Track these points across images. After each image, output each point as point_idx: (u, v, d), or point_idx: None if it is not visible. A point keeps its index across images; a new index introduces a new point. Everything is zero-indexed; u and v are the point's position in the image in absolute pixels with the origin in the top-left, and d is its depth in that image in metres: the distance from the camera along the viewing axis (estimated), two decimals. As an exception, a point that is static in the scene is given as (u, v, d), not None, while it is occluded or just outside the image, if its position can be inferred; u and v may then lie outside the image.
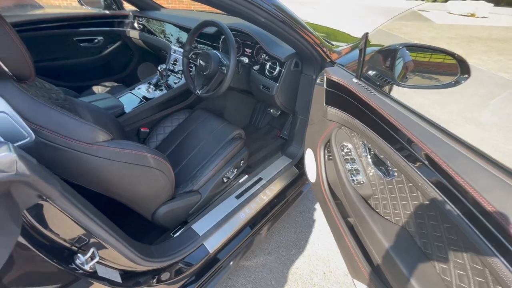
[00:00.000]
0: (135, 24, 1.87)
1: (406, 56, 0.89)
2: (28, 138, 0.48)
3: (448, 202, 0.49)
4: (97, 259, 0.53)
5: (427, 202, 0.56)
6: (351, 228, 0.84)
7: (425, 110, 2.84)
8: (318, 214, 1.56)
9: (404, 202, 0.64)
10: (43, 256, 0.43)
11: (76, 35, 1.75)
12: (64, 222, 0.47)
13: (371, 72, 0.89)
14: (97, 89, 1.54)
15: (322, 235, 1.43)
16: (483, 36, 7.14)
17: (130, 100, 1.37)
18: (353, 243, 0.80)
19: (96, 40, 1.89)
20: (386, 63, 0.85)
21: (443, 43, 5.88)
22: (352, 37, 1.94)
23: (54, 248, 0.48)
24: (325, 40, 1.07)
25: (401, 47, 0.84)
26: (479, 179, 0.46)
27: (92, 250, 0.53)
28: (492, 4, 10.97)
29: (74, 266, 0.50)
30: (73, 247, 0.52)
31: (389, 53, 0.84)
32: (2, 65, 0.45)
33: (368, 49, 0.82)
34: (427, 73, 0.95)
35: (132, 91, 1.43)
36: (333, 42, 1.30)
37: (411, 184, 0.61)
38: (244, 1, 0.68)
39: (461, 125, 2.60)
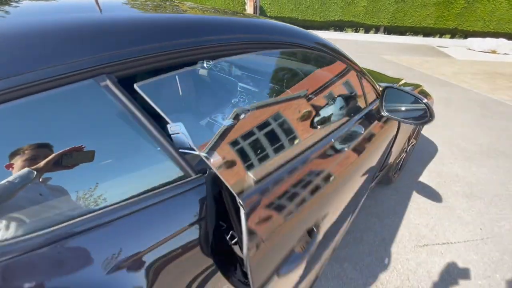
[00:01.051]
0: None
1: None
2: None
3: None
4: None
5: None
6: None
7: (455, 142, 2.96)
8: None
9: None
10: None
11: None
12: None
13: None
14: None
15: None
16: (507, 72, 7.23)
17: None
18: None
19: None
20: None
21: (467, 79, 6.04)
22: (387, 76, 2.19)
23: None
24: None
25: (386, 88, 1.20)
26: None
27: None
28: (514, 42, 11.12)
29: None
30: None
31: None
32: None
33: None
34: (407, 109, 1.23)
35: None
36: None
37: None
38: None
39: (493, 157, 2.69)
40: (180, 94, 1.02)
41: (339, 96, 1.10)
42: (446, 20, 16.36)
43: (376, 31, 17.43)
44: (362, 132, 1.10)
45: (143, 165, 0.60)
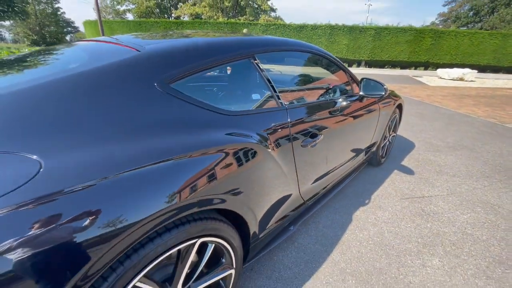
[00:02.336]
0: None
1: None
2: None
3: None
4: None
5: None
6: None
7: (429, 140, 3.71)
8: (362, 193, 2.32)
9: None
10: None
11: None
12: None
13: None
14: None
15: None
16: (472, 94, 8.40)
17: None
18: None
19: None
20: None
21: (438, 99, 7.08)
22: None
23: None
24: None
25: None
26: None
27: None
28: (476, 71, 12.72)
29: None
30: None
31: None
32: None
33: None
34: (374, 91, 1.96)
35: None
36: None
37: None
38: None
39: (458, 149, 3.42)
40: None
41: (341, 83, 1.85)
42: (418, 54, 18.43)
43: (358, 65, 19.30)
44: (351, 103, 1.80)
45: None
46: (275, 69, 1.68)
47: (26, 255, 0.51)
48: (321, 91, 1.85)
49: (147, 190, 0.69)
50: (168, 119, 0.85)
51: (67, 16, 32.95)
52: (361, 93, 1.87)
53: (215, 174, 0.85)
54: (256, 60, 1.24)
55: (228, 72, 1.59)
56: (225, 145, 0.91)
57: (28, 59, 1.17)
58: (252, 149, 1.01)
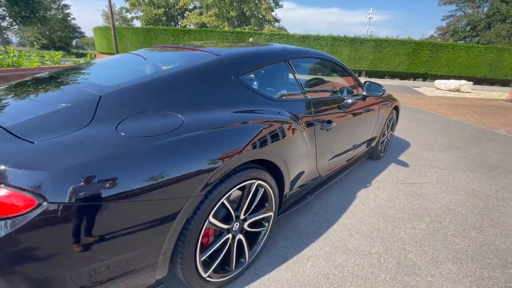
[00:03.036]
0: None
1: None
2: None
3: None
4: None
5: None
6: None
7: (424, 141, 4.15)
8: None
9: None
10: None
11: None
12: None
13: None
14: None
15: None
16: (467, 103, 8.89)
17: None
18: None
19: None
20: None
21: (434, 107, 7.56)
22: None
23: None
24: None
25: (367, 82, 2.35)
26: None
27: None
28: (472, 83, 13.28)
29: None
30: None
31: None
32: None
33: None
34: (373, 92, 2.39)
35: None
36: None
37: None
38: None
39: (449, 149, 3.86)
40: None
41: (349, 85, 2.31)
42: (417, 66, 19.08)
43: (359, 75, 19.92)
44: (356, 101, 2.25)
45: None
46: (301, 70, 2.14)
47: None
48: (334, 89, 2.30)
49: (232, 139, 1.12)
50: (239, 99, 1.29)
51: (73, 21, 33.93)
52: (364, 93, 2.32)
53: (267, 136, 1.29)
54: (289, 63, 1.69)
55: (272, 70, 2.06)
56: (275, 118, 1.35)
57: (145, 58, 1.70)
58: (290, 124, 1.44)
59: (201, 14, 27.59)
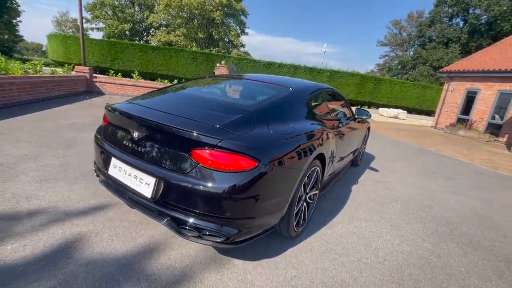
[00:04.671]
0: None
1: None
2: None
3: None
4: None
5: None
6: None
7: (383, 155, 5.43)
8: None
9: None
10: None
11: None
12: None
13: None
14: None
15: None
16: (405, 128, 11.08)
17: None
18: None
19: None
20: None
21: (382, 130, 9.35)
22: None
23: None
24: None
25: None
26: None
27: None
28: (406, 112, 16.28)
29: None
30: None
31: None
32: None
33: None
34: (360, 116, 3.50)
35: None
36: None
37: None
38: None
39: (401, 160, 5.17)
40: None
41: (343, 110, 3.30)
42: (363, 95, 22.27)
43: (317, 100, 22.14)
44: (350, 121, 3.23)
45: None
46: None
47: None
48: (337, 112, 3.27)
49: (314, 138, 1.92)
50: (307, 115, 2.11)
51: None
52: (355, 116, 3.34)
53: (324, 137, 2.10)
54: (322, 94, 2.59)
55: (315, 98, 2.89)
56: (320, 129, 2.19)
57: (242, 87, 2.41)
58: (329, 132, 2.29)
59: (169, 33, 27.96)
